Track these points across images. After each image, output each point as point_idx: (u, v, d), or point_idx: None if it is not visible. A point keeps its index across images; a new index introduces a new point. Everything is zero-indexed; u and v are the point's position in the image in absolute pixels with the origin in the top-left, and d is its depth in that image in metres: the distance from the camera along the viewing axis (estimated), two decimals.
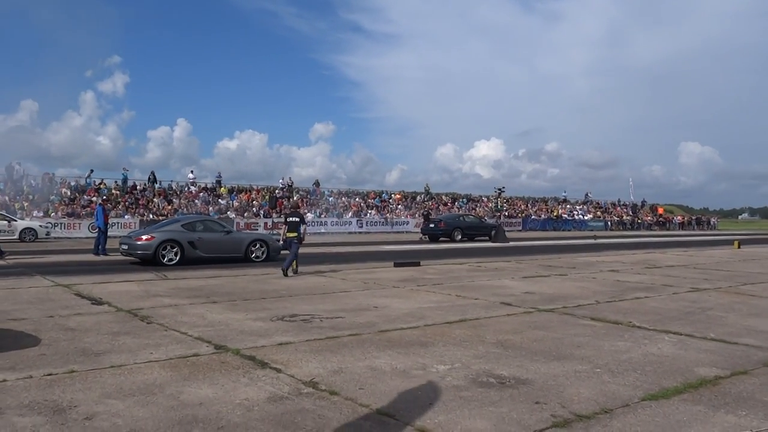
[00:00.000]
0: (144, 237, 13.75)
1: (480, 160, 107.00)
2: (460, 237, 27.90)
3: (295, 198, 38.71)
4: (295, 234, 12.02)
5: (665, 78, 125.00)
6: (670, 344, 5.63)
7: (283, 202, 37.31)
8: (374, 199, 43.42)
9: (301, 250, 12.26)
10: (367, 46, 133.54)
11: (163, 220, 23.86)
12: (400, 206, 43.28)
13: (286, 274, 11.39)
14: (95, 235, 18.52)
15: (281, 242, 12.62)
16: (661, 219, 57.26)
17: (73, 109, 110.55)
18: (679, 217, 61.06)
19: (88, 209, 29.42)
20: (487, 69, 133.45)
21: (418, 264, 14.03)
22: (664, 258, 17.32)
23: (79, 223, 28.29)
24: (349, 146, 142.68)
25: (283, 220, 13.04)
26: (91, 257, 16.03)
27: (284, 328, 6.22)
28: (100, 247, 16.60)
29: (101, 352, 5.06)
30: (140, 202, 32.82)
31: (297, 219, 12.25)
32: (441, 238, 27.88)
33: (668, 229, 54.04)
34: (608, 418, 3.54)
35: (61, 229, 27.61)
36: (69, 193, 32.18)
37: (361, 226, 37.29)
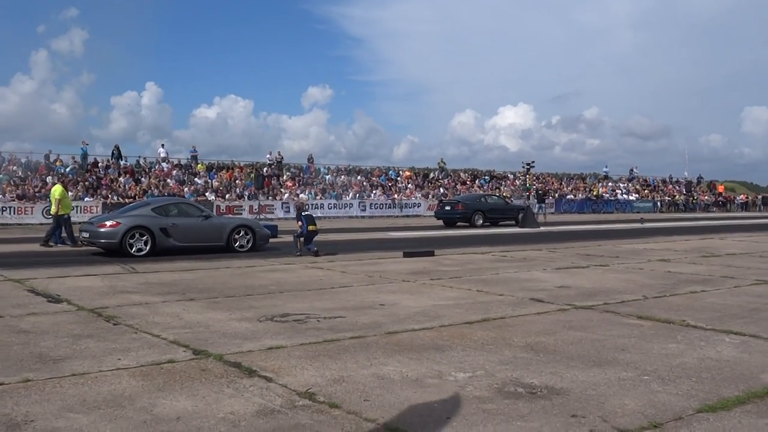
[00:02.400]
0: (108, 223, 13.81)
1: (505, 130, 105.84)
2: (481, 221, 27.89)
3: (284, 177, 38.76)
4: (316, 226, 14.24)
5: (727, 31, 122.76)
6: (731, 347, 5.63)
7: (270, 182, 37.37)
8: (379, 177, 43.40)
9: (291, 238, 12.40)
10: None
11: (130, 203, 23.96)
12: (409, 185, 43.28)
13: (317, 254, 13.67)
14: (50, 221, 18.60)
15: (299, 235, 14.25)
16: (720, 199, 56.98)
17: (22, 72, 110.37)
18: (742, 197, 60.71)
19: (43, 191, 29.58)
20: (515, 21, 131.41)
21: (432, 254, 14.05)
22: (723, 245, 17.27)
23: (32, 207, 28.46)
24: (349, 114, 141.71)
25: (296, 216, 16.37)
26: (49, 247, 16.11)
27: (275, 330, 6.26)
28: (56, 233, 16.68)
29: (60, 358, 5.11)
30: (103, 182, 32.92)
31: (310, 213, 14.84)
32: (459, 223, 27.89)
33: (729, 211, 53.79)
34: None
35: (9, 213, 27.81)
36: (19, 172, 32.32)
37: (364, 209, 37.34)
